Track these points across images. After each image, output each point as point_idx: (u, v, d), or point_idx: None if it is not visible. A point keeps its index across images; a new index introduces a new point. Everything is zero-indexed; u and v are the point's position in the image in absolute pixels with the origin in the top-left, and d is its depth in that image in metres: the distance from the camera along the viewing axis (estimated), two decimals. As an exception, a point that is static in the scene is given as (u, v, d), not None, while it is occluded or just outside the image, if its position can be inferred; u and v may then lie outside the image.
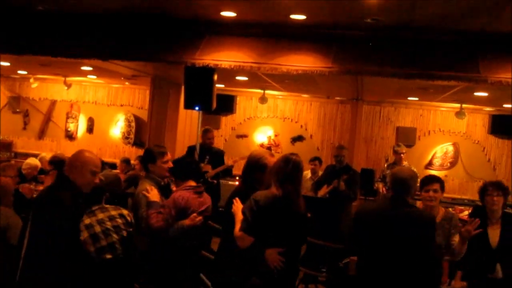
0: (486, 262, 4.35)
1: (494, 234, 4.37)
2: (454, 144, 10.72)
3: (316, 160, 8.99)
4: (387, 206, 3.97)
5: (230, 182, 10.03)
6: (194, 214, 4.29)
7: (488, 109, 10.31)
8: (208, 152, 7.70)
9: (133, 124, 12.00)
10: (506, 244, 4.33)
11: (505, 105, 9.36)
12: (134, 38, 6.78)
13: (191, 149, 7.54)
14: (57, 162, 6.83)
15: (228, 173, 8.22)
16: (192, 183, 4.45)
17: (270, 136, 11.51)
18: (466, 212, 7.75)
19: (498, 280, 4.31)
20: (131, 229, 4.69)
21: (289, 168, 3.67)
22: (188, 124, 10.08)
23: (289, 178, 3.66)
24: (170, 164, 4.55)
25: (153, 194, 4.37)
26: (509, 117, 10.03)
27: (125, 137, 12.09)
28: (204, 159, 7.48)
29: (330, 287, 5.60)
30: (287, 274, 3.72)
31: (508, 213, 5.29)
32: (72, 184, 3.51)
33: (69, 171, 3.55)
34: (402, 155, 8.46)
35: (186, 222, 4.27)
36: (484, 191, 4.48)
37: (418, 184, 4.25)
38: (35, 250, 3.23)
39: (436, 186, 4.26)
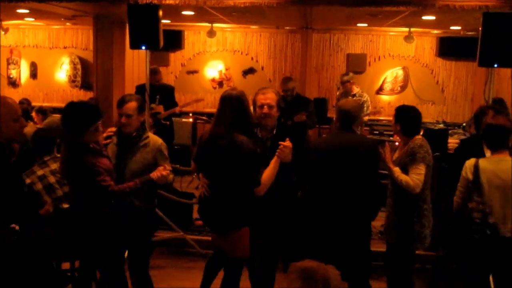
0: None
1: None
2: (404, 68, 10.85)
3: None
4: (334, 135, 4.40)
5: (183, 120, 9.97)
6: None
7: (435, 32, 10.40)
8: (158, 90, 7.53)
9: (78, 66, 11.58)
10: None
11: (452, 27, 9.46)
12: (70, -24, 6.42)
13: (139, 88, 7.28)
14: None
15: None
16: None
17: (221, 70, 11.35)
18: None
19: None
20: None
21: (223, 109, 3.83)
22: (136, 62, 9.80)
23: (219, 118, 3.83)
24: None
25: None
26: (456, 39, 10.18)
27: (72, 80, 11.69)
28: (155, 99, 7.34)
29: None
30: (222, 204, 3.85)
31: None
32: None
33: None
34: (348, 84, 8.45)
35: None
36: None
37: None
38: None
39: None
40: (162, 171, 3.80)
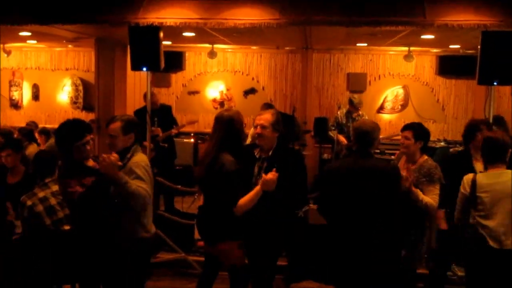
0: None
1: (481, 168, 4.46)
2: (404, 87, 10.87)
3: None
4: (352, 159, 4.04)
5: (185, 140, 9.98)
6: None
7: (435, 50, 10.45)
8: (155, 112, 7.50)
9: (80, 88, 11.65)
10: None
11: (452, 46, 9.51)
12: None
13: (138, 113, 7.21)
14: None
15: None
16: None
17: (222, 91, 11.39)
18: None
19: None
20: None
21: (214, 128, 4.03)
22: (137, 84, 9.85)
23: (210, 137, 4.07)
24: None
25: None
26: (455, 58, 10.23)
27: (74, 101, 11.75)
28: (153, 121, 7.33)
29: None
30: (207, 218, 4.09)
31: None
32: None
33: None
34: (359, 107, 8.61)
35: None
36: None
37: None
38: None
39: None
40: (104, 156, 3.52)
